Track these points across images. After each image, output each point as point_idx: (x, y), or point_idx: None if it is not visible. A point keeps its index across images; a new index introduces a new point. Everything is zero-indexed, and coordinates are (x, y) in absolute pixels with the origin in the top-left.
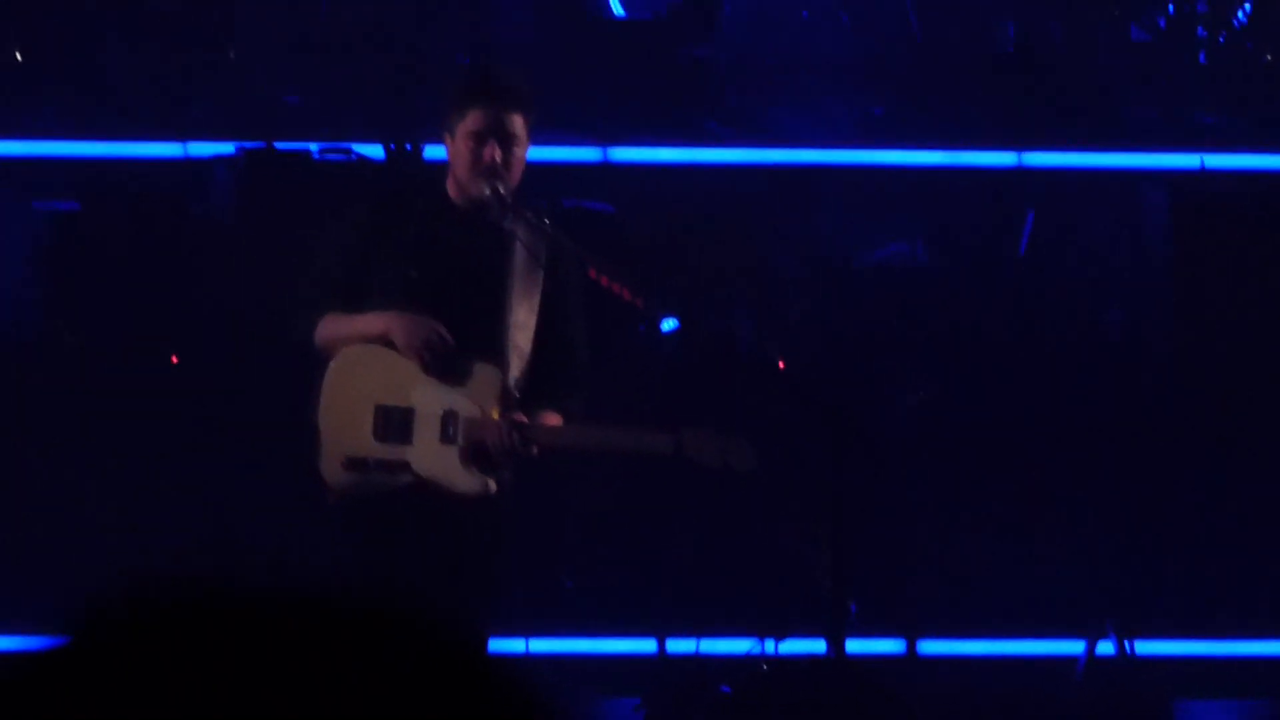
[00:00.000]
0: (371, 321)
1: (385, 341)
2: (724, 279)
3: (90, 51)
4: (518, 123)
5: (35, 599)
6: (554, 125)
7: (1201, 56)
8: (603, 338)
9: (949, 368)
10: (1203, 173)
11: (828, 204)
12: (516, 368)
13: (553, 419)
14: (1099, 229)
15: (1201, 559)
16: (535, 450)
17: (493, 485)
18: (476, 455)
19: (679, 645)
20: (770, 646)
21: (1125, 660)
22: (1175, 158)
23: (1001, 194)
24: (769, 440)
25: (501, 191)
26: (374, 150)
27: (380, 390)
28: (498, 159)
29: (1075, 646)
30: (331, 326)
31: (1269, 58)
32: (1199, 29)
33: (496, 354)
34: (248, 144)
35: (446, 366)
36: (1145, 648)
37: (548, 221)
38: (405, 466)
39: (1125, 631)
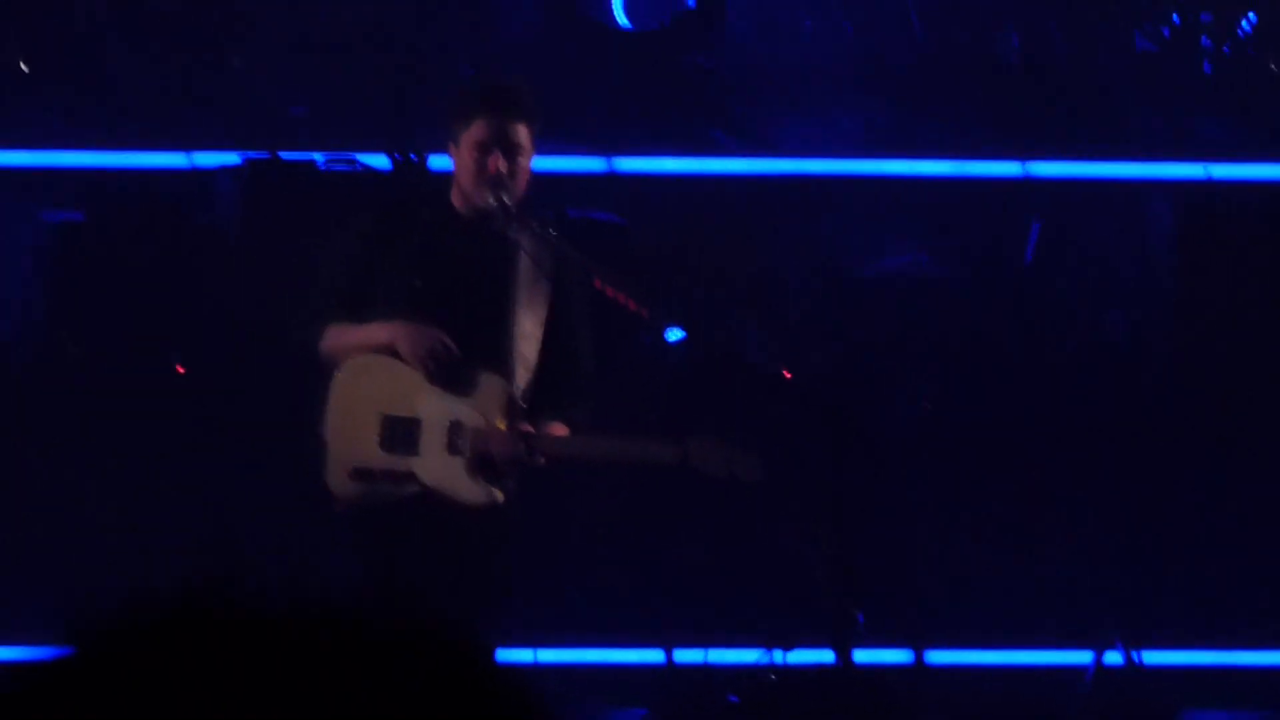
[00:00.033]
0: (376, 331)
1: (390, 351)
2: (729, 289)
3: (95, 61)
4: (522, 133)
5: (40, 608)
6: (559, 135)
7: (1206, 66)
8: (608, 348)
9: (955, 377)
10: (1207, 182)
11: (833, 214)
12: (522, 378)
13: (559, 429)
14: (1103, 238)
15: (1208, 568)
16: (541, 460)
17: (499, 495)
18: (483, 465)
19: (686, 655)
20: (778, 656)
21: (1132, 670)
22: (1180, 167)
23: (1006, 203)
24: (775, 450)
25: (507, 202)
26: (379, 160)
27: (386, 400)
28: (503, 169)
29: (1083, 656)
30: (336, 336)
31: (1274, 67)
32: (1204, 38)
33: (502, 364)
34: (253, 154)
35: (452, 377)
36: (1152, 657)
37: (553, 232)
38: (411, 477)
39: (1132, 641)
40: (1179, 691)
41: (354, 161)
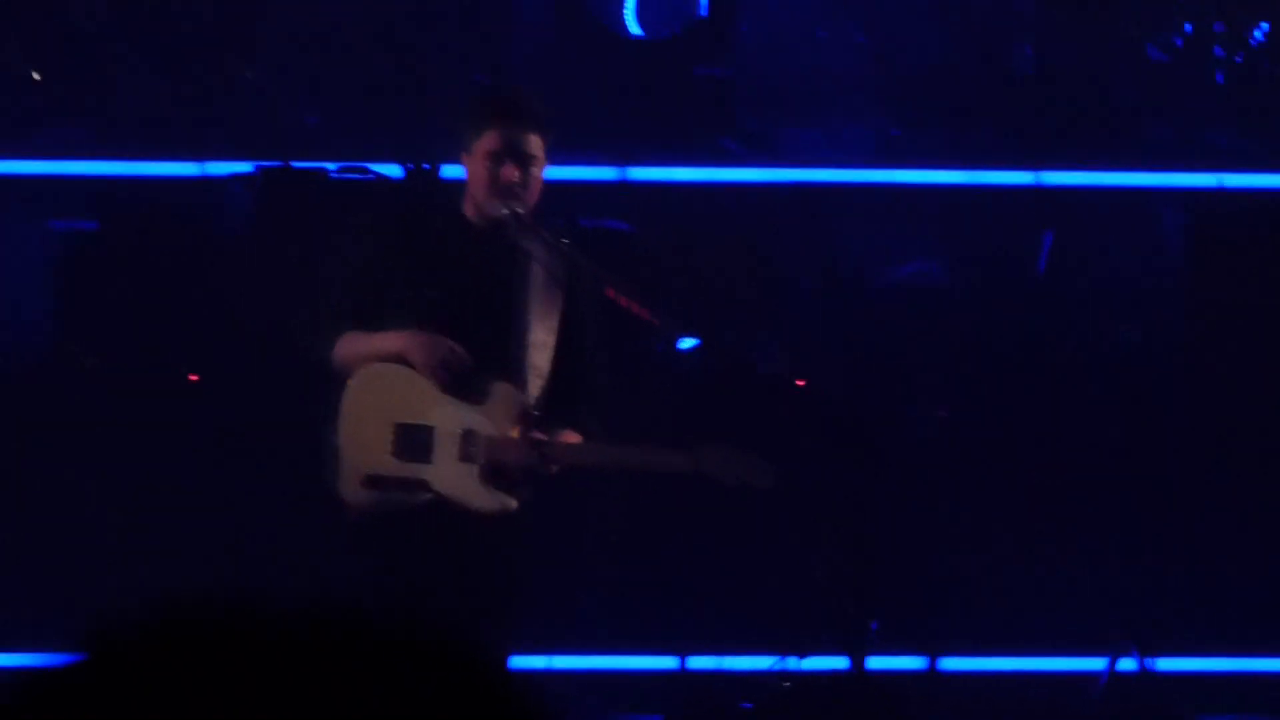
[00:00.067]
0: (389, 340)
1: (402, 360)
2: (741, 297)
3: (108, 70)
4: (535, 143)
5: (54, 614)
6: (571, 144)
7: (1219, 76)
8: (621, 356)
9: (967, 386)
10: (1220, 192)
11: (845, 222)
12: (535, 387)
13: (571, 437)
14: (1116, 247)
15: (1222, 575)
16: (554, 468)
17: (512, 503)
18: (496, 474)
19: (700, 662)
20: (792, 663)
21: (1146, 676)
22: (1192, 177)
23: (1019, 213)
24: (788, 458)
25: (519, 211)
26: (391, 169)
27: (399, 409)
28: (515, 179)
29: (1096, 663)
30: (349, 345)
31: None
32: (1216, 48)
33: (514, 373)
34: (265, 163)
35: (465, 386)
36: (1166, 664)
37: (565, 241)
38: (425, 485)
39: (1146, 648)
40: (1192, 698)
41: (366, 170)
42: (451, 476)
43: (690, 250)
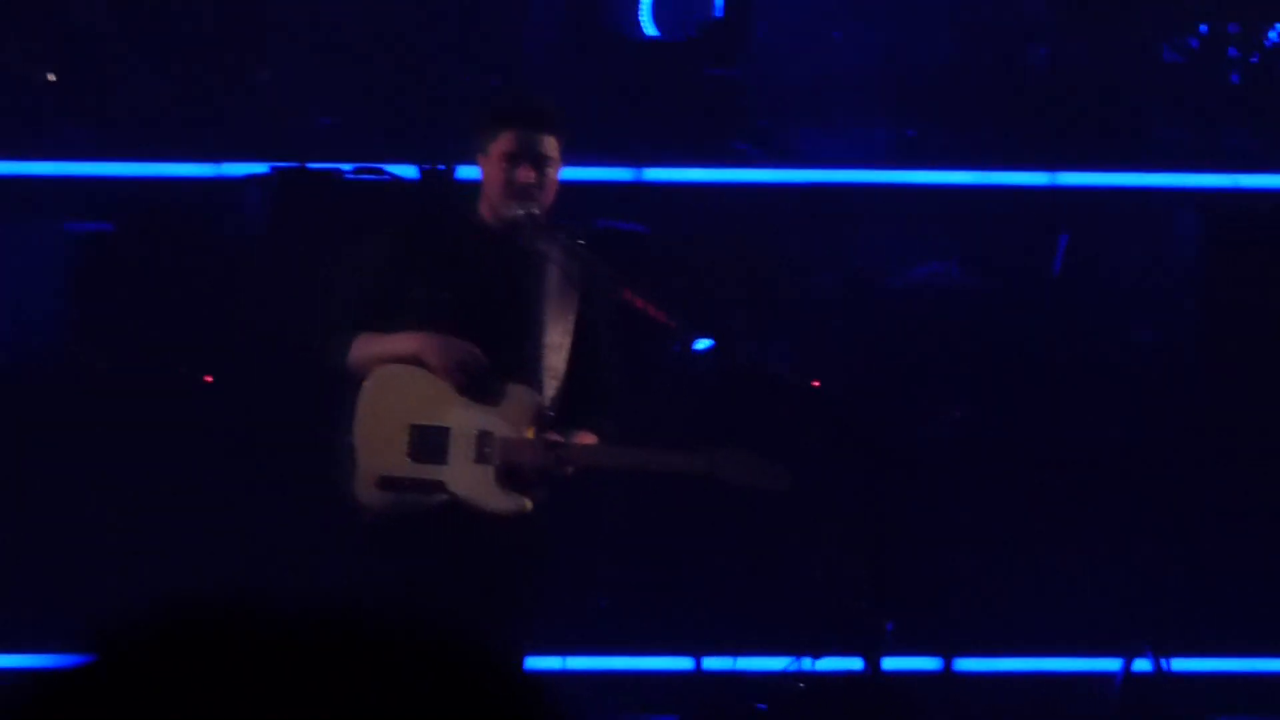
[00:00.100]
0: (404, 342)
1: (418, 362)
2: (757, 299)
3: (123, 72)
4: (550, 144)
5: (64, 616)
6: (587, 145)
7: (1234, 77)
8: (636, 358)
9: (984, 387)
10: (1235, 192)
11: (861, 224)
12: (550, 388)
13: (587, 439)
14: (1131, 248)
15: (1237, 575)
16: (569, 470)
17: (527, 505)
18: (512, 475)
19: (716, 663)
20: (807, 664)
21: (1161, 677)
22: (1207, 178)
23: (1035, 214)
24: (803, 459)
25: (535, 213)
26: (407, 171)
27: (415, 410)
28: (531, 180)
29: (1111, 664)
30: (364, 346)
31: None
32: (1231, 49)
33: (530, 375)
34: (281, 164)
35: (480, 387)
36: (1181, 665)
37: (580, 242)
38: (440, 486)
39: (1161, 649)
40: (1208, 699)
41: (382, 172)
42: (467, 478)
43: (705, 252)
